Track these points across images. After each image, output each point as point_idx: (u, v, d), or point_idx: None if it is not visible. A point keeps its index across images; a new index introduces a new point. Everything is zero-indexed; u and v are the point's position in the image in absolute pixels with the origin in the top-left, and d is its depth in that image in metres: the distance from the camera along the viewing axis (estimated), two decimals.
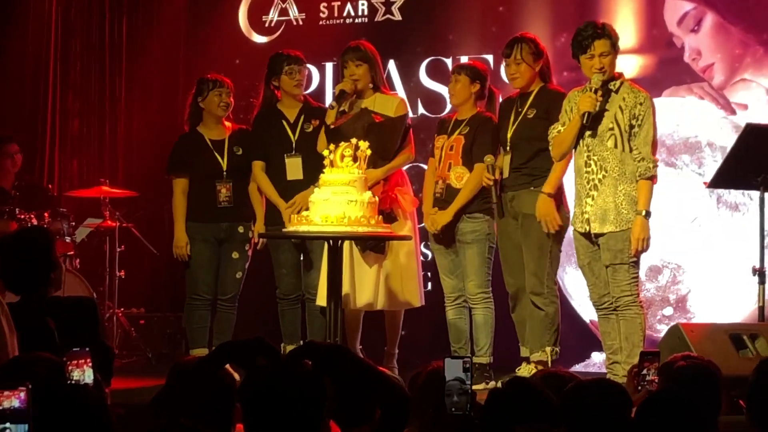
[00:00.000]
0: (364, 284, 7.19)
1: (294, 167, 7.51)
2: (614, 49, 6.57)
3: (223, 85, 7.62)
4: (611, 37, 6.57)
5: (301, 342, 7.53)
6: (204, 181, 7.60)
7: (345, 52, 7.44)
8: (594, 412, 3.53)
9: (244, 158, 7.63)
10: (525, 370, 6.92)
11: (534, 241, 6.97)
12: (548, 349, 6.96)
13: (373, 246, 7.16)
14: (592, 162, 6.57)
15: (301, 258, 7.57)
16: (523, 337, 7.16)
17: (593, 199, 6.55)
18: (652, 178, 6.48)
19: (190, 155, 7.65)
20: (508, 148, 7.11)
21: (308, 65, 8.43)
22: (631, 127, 6.47)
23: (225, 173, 7.59)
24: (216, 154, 7.61)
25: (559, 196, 6.98)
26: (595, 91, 6.54)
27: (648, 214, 6.45)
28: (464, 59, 8.76)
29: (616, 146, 6.50)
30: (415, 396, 3.80)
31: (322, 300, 7.10)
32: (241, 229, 7.63)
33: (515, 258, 7.11)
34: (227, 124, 7.70)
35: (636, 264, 6.55)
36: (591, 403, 3.55)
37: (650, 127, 6.47)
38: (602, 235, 6.54)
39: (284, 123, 7.58)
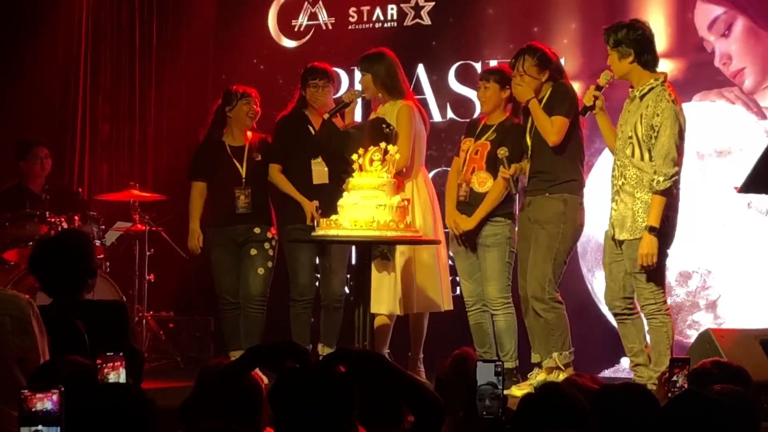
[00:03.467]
0: (382, 291, 7.16)
1: (320, 172, 7.53)
2: (618, 49, 6.55)
3: (250, 95, 7.70)
4: (609, 36, 6.58)
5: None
6: (223, 187, 7.68)
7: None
8: (621, 416, 3.53)
9: (263, 164, 7.68)
10: (540, 376, 6.88)
11: (541, 246, 6.94)
12: (555, 354, 6.89)
13: (379, 254, 7.13)
14: (615, 167, 6.61)
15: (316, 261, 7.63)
16: (533, 343, 7.14)
17: (617, 204, 6.56)
18: (664, 193, 6.39)
19: (209, 162, 7.74)
20: (529, 153, 7.10)
21: (337, 69, 8.46)
22: (650, 137, 6.43)
23: (244, 180, 7.64)
24: (235, 161, 7.66)
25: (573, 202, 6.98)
26: (598, 88, 6.67)
27: (653, 230, 6.37)
28: (493, 63, 8.76)
29: (633, 155, 6.49)
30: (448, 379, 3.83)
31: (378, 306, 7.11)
32: (257, 230, 7.66)
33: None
34: (248, 134, 7.75)
35: (657, 273, 6.49)
36: (618, 407, 3.55)
37: (666, 140, 6.38)
38: (622, 242, 6.54)
39: (310, 128, 7.60)
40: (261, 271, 7.67)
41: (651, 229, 6.38)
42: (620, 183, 6.54)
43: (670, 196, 6.43)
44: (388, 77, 7.39)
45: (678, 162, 6.43)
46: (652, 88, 6.51)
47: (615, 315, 6.70)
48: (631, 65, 6.56)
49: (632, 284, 6.59)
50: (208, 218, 7.75)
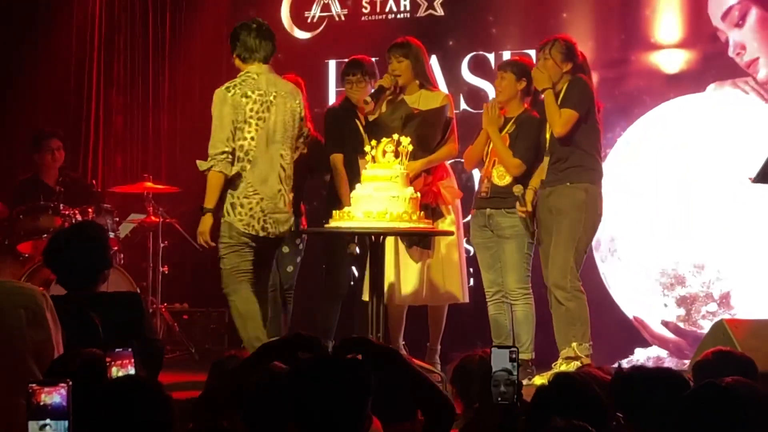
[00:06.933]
0: (408, 278, 7.20)
1: None
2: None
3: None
4: None
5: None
6: None
7: (390, 48, 7.47)
8: (651, 399, 3.53)
9: (306, 157, 7.67)
10: (561, 366, 6.86)
11: (563, 235, 6.95)
12: (575, 344, 6.87)
13: (419, 241, 7.17)
14: None
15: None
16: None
17: None
18: (208, 173, 6.65)
19: None
20: (547, 146, 7.09)
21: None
22: None
23: None
24: None
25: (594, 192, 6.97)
26: None
27: (203, 209, 6.67)
28: (507, 54, 8.75)
29: None
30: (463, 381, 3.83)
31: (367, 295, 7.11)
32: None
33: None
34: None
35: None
36: (648, 389, 3.56)
37: (213, 120, 6.75)
38: None
39: (358, 123, 7.58)
40: (290, 269, 7.76)
41: (201, 209, 6.67)
42: None
43: (220, 179, 6.62)
44: (424, 65, 7.46)
45: (216, 145, 6.62)
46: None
47: None
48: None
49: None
50: None
